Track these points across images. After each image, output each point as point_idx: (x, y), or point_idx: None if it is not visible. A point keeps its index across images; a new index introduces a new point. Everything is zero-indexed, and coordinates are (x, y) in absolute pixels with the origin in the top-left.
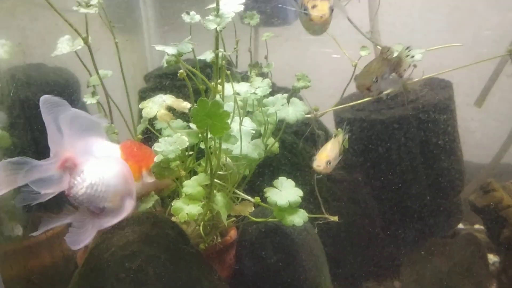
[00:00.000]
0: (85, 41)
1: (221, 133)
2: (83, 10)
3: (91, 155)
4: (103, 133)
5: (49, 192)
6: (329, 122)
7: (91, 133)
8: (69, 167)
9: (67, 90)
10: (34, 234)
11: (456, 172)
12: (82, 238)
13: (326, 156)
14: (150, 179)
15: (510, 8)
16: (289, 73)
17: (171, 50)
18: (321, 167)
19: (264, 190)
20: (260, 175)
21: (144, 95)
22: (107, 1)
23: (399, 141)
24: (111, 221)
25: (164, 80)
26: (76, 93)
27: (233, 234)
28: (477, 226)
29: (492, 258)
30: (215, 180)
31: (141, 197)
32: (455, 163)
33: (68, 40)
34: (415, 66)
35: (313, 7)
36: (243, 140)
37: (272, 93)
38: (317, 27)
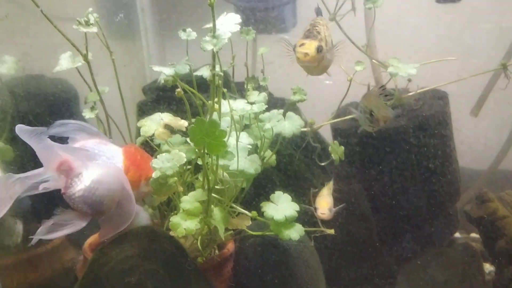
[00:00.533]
0: (85, 58)
1: (218, 151)
2: (83, 29)
3: (90, 160)
4: (101, 136)
5: (42, 189)
6: (326, 133)
7: (86, 137)
8: (65, 170)
9: (66, 102)
10: (32, 243)
11: (452, 182)
12: (57, 231)
13: (326, 204)
14: (146, 189)
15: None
16: (287, 83)
17: (168, 71)
18: (325, 214)
19: (261, 204)
20: (258, 188)
21: (143, 107)
22: (104, 10)
23: (395, 152)
24: (113, 230)
25: (162, 92)
26: (75, 105)
27: (230, 247)
28: (473, 235)
29: (488, 267)
30: (212, 194)
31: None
32: (452, 173)
33: (69, 57)
34: (409, 80)
35: (301, 45)
36: (240, 156)
37: (269, 104)
38: (309, 67)
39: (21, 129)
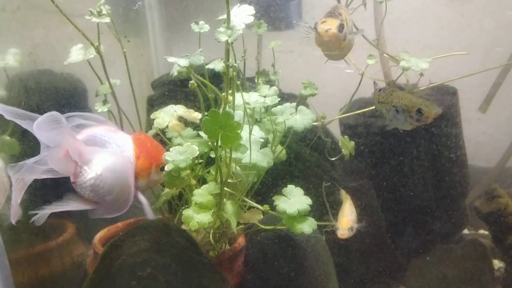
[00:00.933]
0: (97, 50)
1: (233, 144)
2: (95, 19)
3: (100, 146)
4: (109, 124)
5: (53, 170)
6: (335, 129)
7: (95, 124)
8: (75, 155)
9: (75, 96)
10: (36, 217)
11: (461, 177)
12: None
13: (347, 223)
14: (157, 177)
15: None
16: (297, 80)
17: (183, 62)
18: (345, 235)
19: (273, 198)
20: (267, 182)
21: (152, 102)
22: (112, 6)
23: (404, 148)
24: (104, 214)
25: (172, 87)
26: (84, 99)
27: (241, 241)
28: (482, 231)
29: (497, 263)
30: (225, 188)
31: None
32: (460, 169)
33: (81, 49)
34: (421, 74)
35: (322, 22)
36: (253, 149)
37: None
38: (330, 47)
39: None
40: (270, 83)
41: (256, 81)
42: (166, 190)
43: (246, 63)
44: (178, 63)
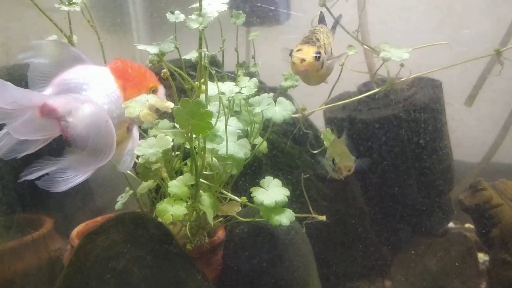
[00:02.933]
0: (69, 40)
1: (204, 133)
2: (65, 8)
3: (76, 91)
4: (81, 60)
5: (37, 138)
6: (318, 121)
7: (61, 66)
8: (50, 113)
9: None
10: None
11: (446, 170)
12: (69, 180)
13: (347, 157)
14: (161, 95)
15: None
16: (280, 73)
17: (153, 49)
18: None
19: (251, 189)
20: (248, 175)
21: None
22: (94, 1)
23: (388, 140)
24: (97, 163)
25: None
26: None
27: (220, 234)
28: (467, 225)
29: (483, 257)
30: (201, 180)
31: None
32: (445, 162)
33: None
34: (402, 65)
35: (298, 50)
36: (229, 140)
37: (261, 93)
38: (306, 75)
39: None
40: (250, 75)
41: (236, 72)
42: (143, 183)
43: (229, 57)
44: (148, 50)
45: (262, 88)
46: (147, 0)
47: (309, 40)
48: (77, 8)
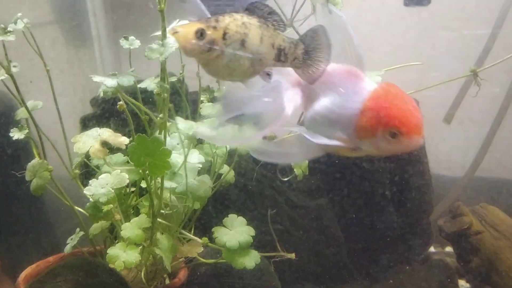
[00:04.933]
0: (7, 70)
1: (161, 173)
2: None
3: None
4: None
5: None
6: None
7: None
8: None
9: (4, 116)
10: None
11: (424, 193)
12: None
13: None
14: (385, 145)
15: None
16: None
17: (110, 82)
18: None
19: (213, 229)
20: (216, 207)
21: (87, 123)
22: (53, 16)
23: (364, 164)
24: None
25: (109, 105)
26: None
27: (182, 275)
28: (448, 249)
29: (464, 284)
30: (159, 220)
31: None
32: (424, 185)
33: None
34: None
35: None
36: (189, 176)
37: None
38: (184, 52)
39: None
40: (215, 100)
41: (199, 99)
42: (94, 223)
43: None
44: (105, 83)
45: None
46: (110, 14)
47: (206, 19)
48: (12, 38)
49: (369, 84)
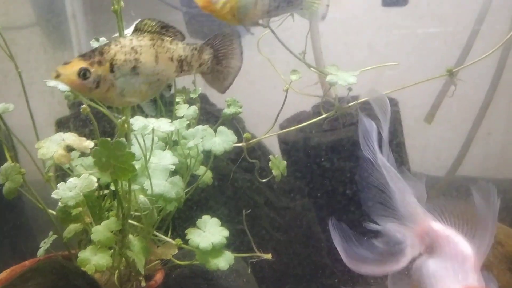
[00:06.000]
0: None
1: (126, 177)
2: None
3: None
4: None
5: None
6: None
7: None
8: (426, 240)
9: None
10: None
11: None
12: None
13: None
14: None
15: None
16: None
17: (63, 86)
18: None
19: (186, 231)
20: (193, 209)
21: (62, 126)
22: (34, 18)
23: (345, 164)
24: None
25: None
26: None
27: (158, 278)
28: None
29: None
30: (131, 221)
31: None
32: None
33: None
34: (350, 89)
35: (65, 63)
36: (160, 178)
37: (209, 116)
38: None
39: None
40: (191, 101)
41: (174, 100)
42: (69, 226)
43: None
44: (59, 87)
45: (210, 112)
46: (89, 15)
47: (90, 53)
48: None
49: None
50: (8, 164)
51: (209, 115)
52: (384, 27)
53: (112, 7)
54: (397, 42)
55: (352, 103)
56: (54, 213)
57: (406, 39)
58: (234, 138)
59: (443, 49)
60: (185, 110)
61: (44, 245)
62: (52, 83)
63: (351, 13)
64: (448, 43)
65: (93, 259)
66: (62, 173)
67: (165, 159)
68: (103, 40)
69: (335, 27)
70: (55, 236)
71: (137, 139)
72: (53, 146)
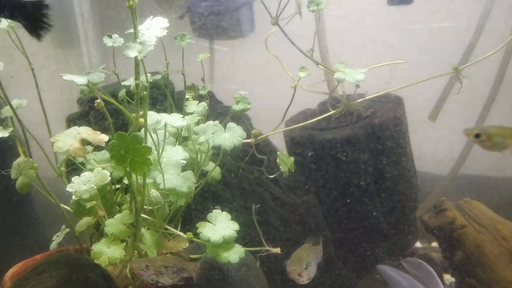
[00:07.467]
0: None
1: (142, 170)
2: None
3: None
4: None
5: None
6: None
7: None
8: None
9: None
10: None
11: (409, 190)
12: None
13: (299, 260)
14: None
15: None
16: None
17: (81, 80)
18: (296, 274)
19: (197, 225)
20: (203, 203)
21: (72, 121)
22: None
23: (350, 161)
24: None
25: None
26: None
27: None
28: (434, 244)
29: (449, 278)
30: (143, 215)
31: None
32: (408, 181)
33: None
34: (357, 86)
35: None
36: (172, 173)
37: (217, 113)
38: None
39: None
40: (201, 98)
41: (184, 96)
42: (82, 219)
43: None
44: (76, 81)
45: (218, 109)
46: (97, 14)
47: None
48: None
49: None
50: (21, 159)
51: (215, 113)
52: (389, 25)
53: (127, 3)
54: (402, 39)
55: (360, 100)
56: (66, 207)
57: (411, 36)
58: (243, 134)
59: (449, 46)
60: (194, 106)
61: (57, 238)
62: (68, 77)
63: (356, 11)
64: (453, 40)
65: (106, 252)
66: (68, 171)
67: (177, 154)
68: (115, 37)
69: (340, 26)
70: (67, 229)
71: (150, 134)
72: (69, 139)
